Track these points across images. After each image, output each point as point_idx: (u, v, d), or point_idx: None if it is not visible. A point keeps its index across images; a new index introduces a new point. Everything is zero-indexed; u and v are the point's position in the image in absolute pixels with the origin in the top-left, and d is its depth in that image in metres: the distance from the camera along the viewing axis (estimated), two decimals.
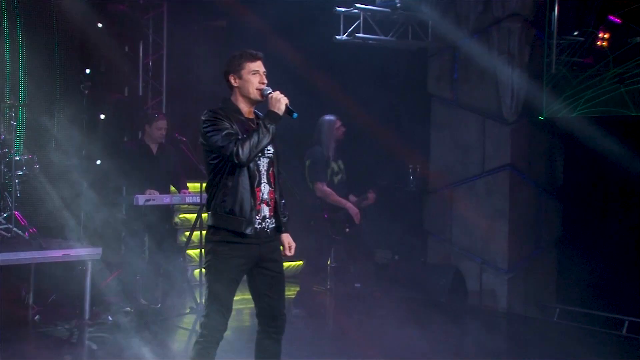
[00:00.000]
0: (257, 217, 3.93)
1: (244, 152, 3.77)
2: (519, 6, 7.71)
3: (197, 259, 8.75)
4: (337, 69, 8.44)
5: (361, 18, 7.35)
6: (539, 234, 8.02)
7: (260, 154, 3.93)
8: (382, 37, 7.58)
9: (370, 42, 7.56)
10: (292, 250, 4.16)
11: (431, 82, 8.59)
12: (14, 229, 6.64)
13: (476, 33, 8.07)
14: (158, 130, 7.33)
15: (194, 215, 9.19)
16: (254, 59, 3.99)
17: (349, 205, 7.20)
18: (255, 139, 3.81)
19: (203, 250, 4.13)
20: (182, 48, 10.26)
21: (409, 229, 8.69)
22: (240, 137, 3.83)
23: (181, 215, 9.14)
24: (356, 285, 8.22)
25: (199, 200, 6.98)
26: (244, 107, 4.03)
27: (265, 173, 3.98)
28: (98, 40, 8.83)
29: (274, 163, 4.04)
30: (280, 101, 3.90)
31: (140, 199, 6.71)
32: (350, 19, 7.51)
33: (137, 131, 9.31)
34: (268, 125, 3.86)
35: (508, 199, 7.86)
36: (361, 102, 8.45)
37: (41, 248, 6.52)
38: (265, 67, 4.03)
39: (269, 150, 4.00)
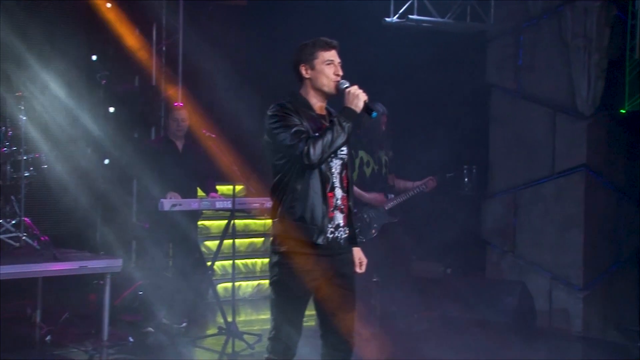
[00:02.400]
0: (330, 226, 3.99)
1: (315, 152, 3.83)
2: None
3: (229, 270, 8.87)
4: (384, 55, 8.49)
5: None
6: (618, 246, 8.04)
7: (332, 155, 3.99)
8: (438, 19, 7.62)
9: (424, 24, 7.60)
10: (363, 267, 4.21)
11: (491, 70, 8.63)
12: (24, 237, 6.73)
13: (545, 13, 8.10)
14: (174, 121, 7.41)
15: (215, 223, 9.39)
16: (328, 47, 4.06)
17: (372, 197, 7.27)
18: (328, 137, 3.86)
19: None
20: (200, 31, 10.36)
21: (464, 238, 8.73)
22: (311, 135, 3.90)
23: (199, 222, 9.25)
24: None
25: (230, 205, 7.05)
26: (316, 102, 4.09)
27: (338, 176, 4.04)
28: (106, 22, 8.94)
29: (347, 166, 4.10)
30: (358, 97, 3.95)
31: (166, 204, 6.78)
32: None
33: (150, 127, 9.47)
34: (344, 124, 3.90)
35: (582, 205, 7.89)
36: (410, 93, 8.51)
37: (55, 259, 6.61)
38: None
39: (342, 151, 4.05)
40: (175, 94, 9.85)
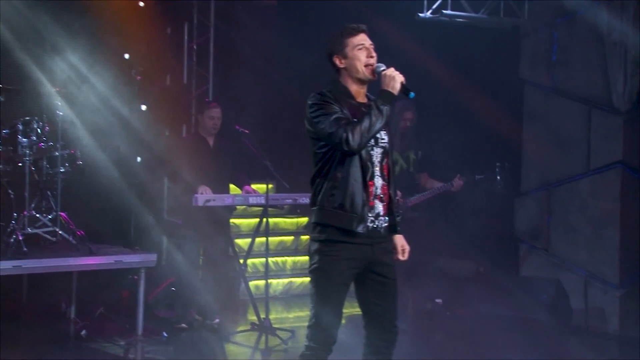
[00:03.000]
0: (370, 214, 4.00)
1: (354, 138, 3.84)
2: None
3: (259, 268, 8.92)
4: (416, 51, 8.47)
5: None
6: None
7: (373, 143, 4.01)
8: (472, 14, 7.61)
9: (458, 19, 7.60)
10: (406, 255, 4.22)
11: (524, 66, 8.60)
12: (60, 232, 6.81)
13: (581, 9, 8.05)
14: (210, 119, 7.50)
15: (245, 221, 9.44)
16: (356, 32, 4.07)
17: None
18: (366, 122, 3.88)
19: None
20: (230, 31, 10.43)
21: (497, 236, 8.68)
22: (350, 122, 3.91)
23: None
24: (437, 300, 8.25)
25: (263, 201, 7.10)
26: (355, 90, 4.10)
27: (378, 165, 4.05)
28: (138, 21, 9.02)
29: (388, 154, 4.11)
30: (394, 79, 3.97)
31: (200, 199, 6.84)
32: None
33: (181, 125, 9.55)
34: (381, 107, 3.92)
35: (619, 202, 7.82)
36: (442, 89, 8.50)
37: (90, 253, 6.69)
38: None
39: (383, 139, 4.07)
40: (206, 93, 9.94)
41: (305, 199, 7.24)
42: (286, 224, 10.11)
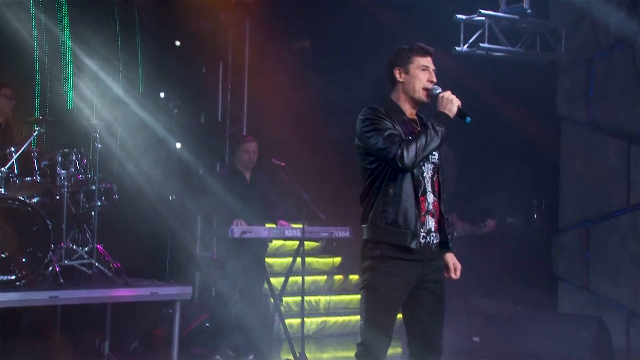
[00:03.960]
0: (422, 230, 3.97)
1: (409, 155, 3.83)
2: None
3: (292, 307, 8.83)
4: (452, 85, 8.46)
5: (485, 26, 7.41)
6: None
7: (424, 159, 3.98)
8: (509, 48, 7.61)
9: (495, 54, 7.60)
10: (458, 273, 4.17)
11: (561, 101, 8.57)
12: (96, 264, 6.81)
13: (618, 44, 8.04)
14: (246, 153, 7.53)
15: (278, 260, 9.39)
16: (425, 53, 4.10)
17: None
18: (422, 141, 3.87)
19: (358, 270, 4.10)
20: (265, 70, 10.53)
21: (535, 274, 8.58)
22: (404, 138, 3.90)
23: None
24: (474, 339, 8.11)
25: (300, 234, 7.05)
26: (407, 108, 4.10)
27: (429, 180, 4.03)
28: (175, 59, 9.14)
29: (439, 170, 4.09)
30: (452, 102, 3.98)
31: (236, 231, 6.81)
32: (470, 27, 7.58)
33: (215, 163, 9.60)
34: (437, 128, 3.92)
35: None
36: (477, 124, 8.44)
37: (126, 285, 6.67)
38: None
39: (433, 155, 4.05)
40: (240, 131, 9.99)
41: (341, 233, 7.20)
42: (319, 264, 10.04)
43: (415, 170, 3.96)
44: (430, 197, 4.03)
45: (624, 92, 8.00)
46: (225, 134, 9.93)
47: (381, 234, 3.94)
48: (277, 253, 9.34)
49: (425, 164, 4.02)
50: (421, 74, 4.04)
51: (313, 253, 9.69)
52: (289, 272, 7.51)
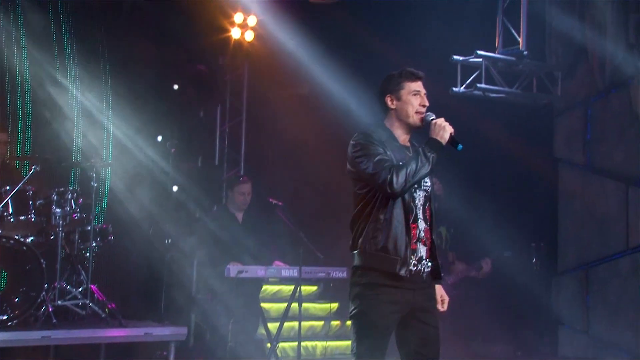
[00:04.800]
0: (413, 258, 3.94)
1: (398, 180, 3.82)
2: None
3: (289, 353, 8.74)
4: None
5: (482, 67, 7.49)
6: None
7: (416, 186, 3.98)
8: (505, 89, 7.69)
9: (492, 94, 7.67)
10: (445, 305, 4.13)
11: (558, 144, 8.61)
12: (90, 304, 6.78)
13: (614, 87, 8.11)
14: (240, 195, 7.52)
15: (275, 305, 9.33)
16: (415, 78, 4.10)
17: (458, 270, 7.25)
18: (412, 167, 3.86)
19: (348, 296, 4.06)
20: (262, 115, 10.61)
21: (534, 318, 8.51)
22: (395, 164, 3.90)
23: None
24: None
25: (296, 274, 7.03)
26: (400, 134, 4.10)
27: (421, 208, 4.01)
28: (172, 103, 9.21)
29: (430, 198, 4.08)
30: (444, 129, 3.97)
31: (232, 271, 6.80)
32: (467, 68, 7.67)
33: (212, 206, 9.60)
34: (428, 154, 3.91)
35: None
36: (474, 165, 8.52)
37: (120, 325, 6.62)
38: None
39: (425, 182, 4.04)
40: (237, 175, 10.02)
41: (339, 273, 7.19)
42: (316, 310, 9.96)
43: (406, 197, 3.94)
44: (422, 225, 4.01)
45: (621, 135, 8.04)
46: (223, 177, 9.95)
47: (371, 260, 3.91)
48: (274, 298, 9.28)
49: (417, 191, 4.01)
50: (413, 99, 4.04)
51: (310, 298, 9.63)
52: (284, 315, 7.48)
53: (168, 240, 8.58)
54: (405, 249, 3.90)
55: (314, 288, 9.72)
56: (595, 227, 8.21)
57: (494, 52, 7.71)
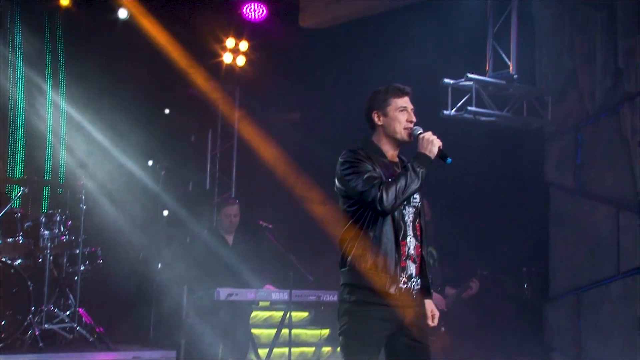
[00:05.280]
0: (402, 275, 3.91)
1: (388, 198, 3.80)
2: None
3: None
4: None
5: (473, 90, 7.51)
6: None
7: (405, 202, 3.96)
8: (496, 112, 7.70)
9: (483, 118, 7.69)
10: (435, 320, 4.10)
11: (549, 168, 8.61)
12: (78, 328, 6.72)
13: (604, 112, 8.13)
14: (227, 217, 7.52)
15: (265, 331, 9.26)
16: (401, 94, 4.10)
17: (452, 292, 7.22)
18: (402, 183, 3.84)
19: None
20: (254, 140, 10.61)
21: (525, 345, 8.45)
22: (384, 181, 3.88)
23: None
24: None
25: (287, 297, 7.00)
26: (388, 150, 4.09)
27: (411, 224, 3.99)
28: (164, 127, 9.22)
29: (420, 214, 4.06)
30: (432, 143, 3.96)
31: (222, 294, 6.76)
32: (458, 92, 7.69)
33: (203, 229, 9.57)
34: (417, 169, 3.89)
35: None
36: (465, 190, 8.51)
37: (109, 349, 6.56)
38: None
39: (415, 198, 4.03)
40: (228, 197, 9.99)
41: (329, 297, 7.17)
42: (307, 336, 9.89)
43: (396, 214, 3.92)
44: (412, 242, 3.99)
45: (611, 159, 8.05)
46: (214, 201, 9.93)
47: (360, 278, 3.87)
48: (265, 324, 9.22)
49: (407, 207, 3.99)
50: (400, 115, 4.04)
51: (301, 324, 9.58)
52: (274, 340, 7.45)
53: (158, 265, 8.55)
54: (395, 266, 3.87)
55: (305, 314, 9.67)
56: (586, 252, 8.18)
57: (485, 76, 7.72)
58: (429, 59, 8.18)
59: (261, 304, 8.49)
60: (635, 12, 7.82)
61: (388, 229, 3.90)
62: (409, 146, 4.09)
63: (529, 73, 8.22)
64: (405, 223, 3.97)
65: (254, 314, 8.72)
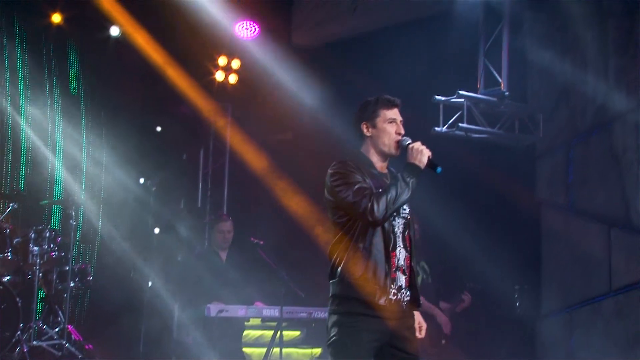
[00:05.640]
0: (392, 287, 3.89)
1: (379, 209, 3.78)
2: None
3: None
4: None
5: (464, 107, 7.53)
6: None
7: (395, 214, 3.94)
8: (487, 129, 7.72)
9: (474, 135, 7.69)
10: (423, 332, 4.08)
11: (541, 186, 8.62)
12: (67, 345, 6.66)
13: (595, 129, 8.15)
14: (220, 233, 7.52)
15: (257, 350, 9.20)
16: (391, 105, 4.09)
17: (437, 312, 7.15)
18: (392, 193, 3.83)
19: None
20: (246, 158, 10.59)
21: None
22: (374, 192, 3.86)
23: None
24: None
25: (278, 314, 6.96)
26: (377, 161, 4.08)
27: (400, 235, 3.98)
28: (155, 144, 9.20)
29: (409, 225, 4.05)
30: (422, 153, 3.95)
31: (213, 310, 6.74)
32: (450, 109, 7.70)
33: (195, 247, 9.54)
34: (408, 179, 3.88)
35: None
36: (456, 206, 8.51)
37: None
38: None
39: (404, 210, 4.01)
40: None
41: (321, 314, 7.13)
42: (299, 355, 9.82)
43: (386, 225, 3.91)
44: (402, 253, 3.97)
45: (603, 177, 8.05)
46: (205, 219, 9.89)
47: (349, 289, 3.85)
48: (257, 343, 9.14)
49: (396, 218, 3.98)
50: (389, 127, 4.03)
51: (293, 343, 9.51)
52: (266, 356, 7.37)
53: (149, 282, 8.51)
54: (385, 277, 3.85)
55: (297, 333, 9.60)
56: (578, 269, 8.17)
57: (476, 93, 7.74)
58: (420, 76, 8.21)
59: (253, 322, 8.47)
60: (626, 31, 7.87)
61: (378, 240, 3.88)
62: (399, 158, 4.08)
63: (520, 91, 8.25)
64: (395, 234, 3.95)
65: (245, 332, 8.67)
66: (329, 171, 3.99)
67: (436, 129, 7.54)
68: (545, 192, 8.57)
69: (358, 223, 3.89)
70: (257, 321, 9.02)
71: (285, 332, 9.05)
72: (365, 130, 4.09)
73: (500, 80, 7.71)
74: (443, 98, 7.59)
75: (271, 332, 8.11)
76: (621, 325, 7.75)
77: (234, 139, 10.43)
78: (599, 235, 8.05)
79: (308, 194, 9.52)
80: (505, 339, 8.35)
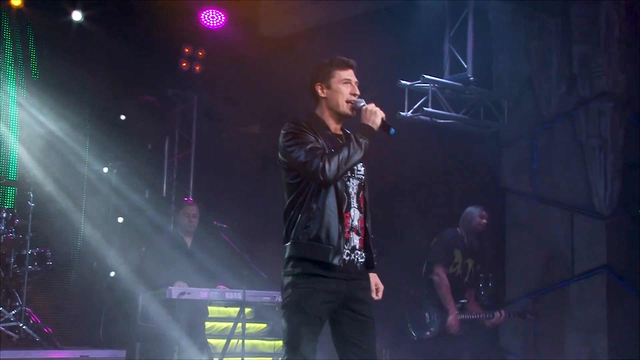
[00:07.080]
0: (346, 247, 3.87)
1: (330, 168, 3.76)
2: (610, 84, 7.85)
3: None
4: (393, 152, 8.52)
5: (429, 92, 7.53)
6: None
7: (349, 174, 3.92)
8: (452, 114, 7.73)
9: (439, 120, 7.71)
10: (380, 294, 4.06)
11: (505, 174, 8.67)
12: (25, 327, 6.56)
13: (559, 117, 8.22)
14: (185, 216, 7.46)
15: (221, 342, 9.16)
16: (345, 66, 4.07)
17: (452, 312, 7.21)
18: (344, 153, 3.81)
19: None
20: (212, 149, 10.55)
21: (481, 349, 8.43)
22: (327, 152, 3.85)
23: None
24: None
25: (240, 297, 6.92)
26: (331, 122, 4.06)
27: (355, 196, 3.96)
28: (119, 135, 9.11)
29: (364, 186, 4.03)
30: (375, 114, 3.93)
31: (174, 292, 6.68)
32: (415, 94, 7.71)
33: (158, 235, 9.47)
34: (360, 140, 3.86)
35: (606, 308, 7.67)
36: (420, 192, 8.53)
37: (56, 348, 6.42)
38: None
39: (359, 170, 4.00)
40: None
41: None
42: (265, 347, 9.78)
43: (339, 185, 3.88)
44: (356, 214, 3.95)
45: (566, 164, 8.13)
46: (170, 209, 9.82)
47: (303, 250, 3.82)
48: (222, 334, 9.08)
49: (350, 179, 3.96)
50: (343, 87, 4.00)
51: (259, 335, 9.50)
52: (227, 341, 7.33)
53: (111, 273, 8.43)
54: (339, 238, 3.83)
55: (263, 325, 9.58)
56: (542, 256, 8.24)
57: (443, 78, 7.76)
58: (386, 62, 8.21)
59: (221, 312, 8.42)
60: (589, 18, 7.94)
61: (331, 200, 3.85)
62: (354, 120, 4.06)
63: (485, 78, 8.29)
64: (349, 195, 3.93)
65: (210, 324, 8.63)
66: (282, 132, 3.96)
67: (401, 113, 7.53)
68: (510, 180, 8.63)
69: (311, 184, 3.86)
70: (224, 312, 9.00)
71: (251, 325, 9.04)
72: (319, 91, 4.06)
73: (466, 66, 7.73)
74: (408, 83, 7.59)
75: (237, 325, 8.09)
76: (584, 311, 7.82)
77: (200, 128, 10.39)
78: (562, 221, 8.13)
79: (276, 183, 9.47)
80: (468, 325, 8.35)
